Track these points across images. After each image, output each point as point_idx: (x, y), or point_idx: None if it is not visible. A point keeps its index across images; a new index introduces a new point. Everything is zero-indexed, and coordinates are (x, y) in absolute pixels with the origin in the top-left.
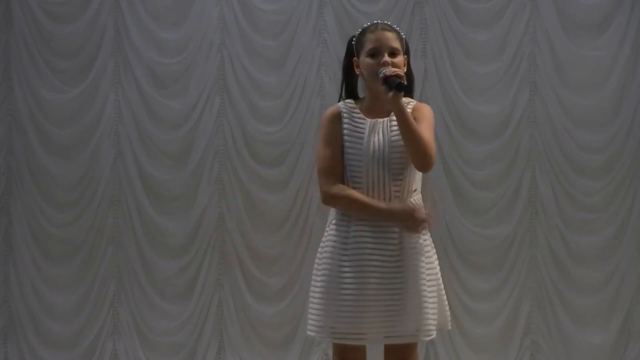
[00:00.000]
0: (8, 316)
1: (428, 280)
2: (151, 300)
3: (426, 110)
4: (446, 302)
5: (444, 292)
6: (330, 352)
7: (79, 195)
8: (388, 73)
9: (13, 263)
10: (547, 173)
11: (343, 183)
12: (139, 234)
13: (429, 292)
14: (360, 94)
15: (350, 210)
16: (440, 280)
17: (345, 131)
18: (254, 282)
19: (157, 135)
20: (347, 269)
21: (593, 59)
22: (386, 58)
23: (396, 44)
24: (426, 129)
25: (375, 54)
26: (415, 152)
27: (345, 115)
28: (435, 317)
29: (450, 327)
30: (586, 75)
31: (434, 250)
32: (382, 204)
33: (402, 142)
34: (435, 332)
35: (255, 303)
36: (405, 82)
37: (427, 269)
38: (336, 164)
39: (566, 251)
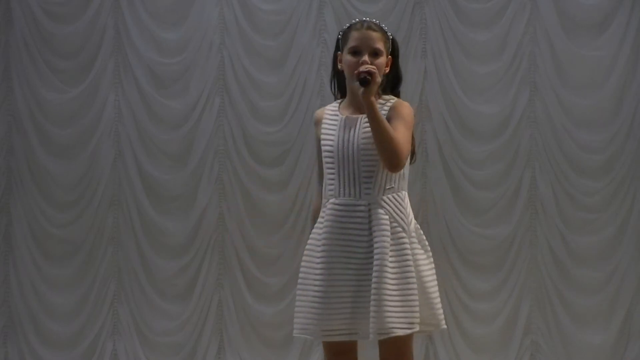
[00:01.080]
0: (8, 316)
1: (399, 279)
2: (151, 300)
3: (402, 109)
4: (436, 302)
5: (432, 290)
6: None
7: (79, 195)
8: (362, 69)
9: (13, 263)
10: (547, 173)
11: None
12: (139, 234)
13: (395, 290)
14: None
15: None
16: (428, 279)
17: (322, 131)
18: (254, 282)
19: (157, 135)
20: (317, 267)
21: (593, 59)
22: (365, 58)
23: (379, 45)
24: (398, 128)
25: (356, 52)
26: (382, 150)
27: (326, 116)
28: (400, 315)
29: (445, 326)
30: (586, 75)
31: (423, 249)
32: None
33: (371, 139)
34: (400, 331)
35: (255, 303)
36: (370, 79)
37: (397, 267)
38: (319, 171)
39: (566, 251)
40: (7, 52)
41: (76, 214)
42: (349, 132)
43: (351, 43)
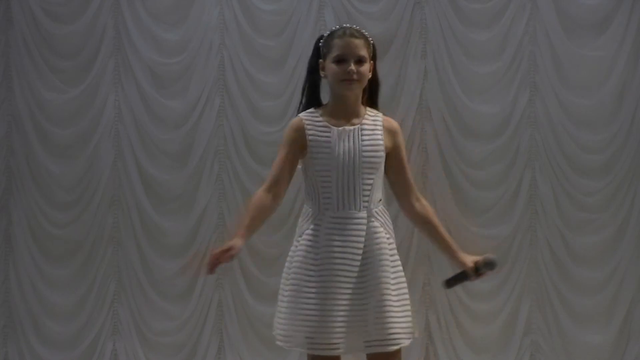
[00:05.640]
0: (8, 316)
1: (396, 290)
2: (151, 300)
3: (402, 135)
4: (411, 309)
5: (409, 300)
6: None
7: (79, 195)
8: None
9: (13, 263)
10: (547, 173)
11: (281, 193)
12: (139, 234)
13: (397, 301)
14: (323, 97)
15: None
16: (407, 289)
17: (310, 142)
18: (254, 282)
19: (157, 135)
20: (314, 279)
21: (593, 59)
22: (352, 67)
23: (363, 52)
24: (407, 164)
25: (341, 61)
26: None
27: (308, 126)
28: (405, 325)
29: (417, 335)
30: (586, 75)
31: (399, 260)
32: (239, 228)
33: (372, 152)
34: (405, 340)
35: (255, 303)
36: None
37: (394, 278)
38: (278, 174)
39: (566, 251)
40: (7, 52)
41: (76, 214)
42: (348, 144)
43: (335, 51)
